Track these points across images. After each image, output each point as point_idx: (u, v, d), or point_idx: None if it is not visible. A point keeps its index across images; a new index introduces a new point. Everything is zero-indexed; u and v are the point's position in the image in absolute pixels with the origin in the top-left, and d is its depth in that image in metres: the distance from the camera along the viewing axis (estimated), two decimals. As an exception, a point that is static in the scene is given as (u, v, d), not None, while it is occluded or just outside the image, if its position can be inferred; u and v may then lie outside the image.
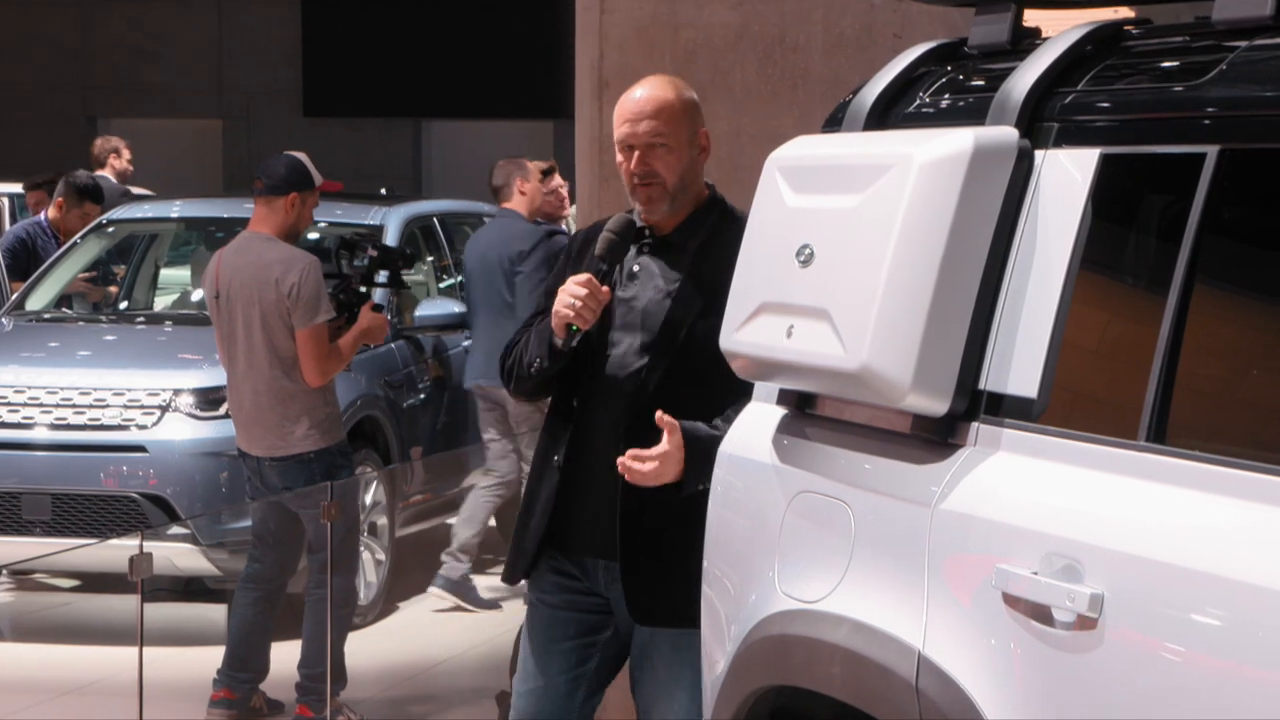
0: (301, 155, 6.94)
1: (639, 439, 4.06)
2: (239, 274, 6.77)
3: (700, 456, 3.97)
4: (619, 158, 4.19)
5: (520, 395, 4.46)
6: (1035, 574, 2.97)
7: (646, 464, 3.99)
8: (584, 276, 4.13)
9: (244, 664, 6.93)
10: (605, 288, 4.15)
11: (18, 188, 13.39)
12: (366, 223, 9.50)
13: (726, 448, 3.90)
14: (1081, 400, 3.18)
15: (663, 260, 4.24)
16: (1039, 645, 2.98)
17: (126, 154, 12.63)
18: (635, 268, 4.25)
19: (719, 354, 3.68)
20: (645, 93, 4.20)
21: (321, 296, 6.73)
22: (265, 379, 6.73)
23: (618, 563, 4.20)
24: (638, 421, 4.11)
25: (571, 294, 4.11)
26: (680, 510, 4.06)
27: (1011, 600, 3.02)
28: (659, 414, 3.98)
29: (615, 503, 4.16)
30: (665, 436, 3.99)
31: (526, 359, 4.24)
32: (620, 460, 4.00)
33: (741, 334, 3.63)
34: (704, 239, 4.22)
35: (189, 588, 8.59)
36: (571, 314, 4.10)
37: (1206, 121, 2.96)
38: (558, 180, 9.58)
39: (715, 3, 5.50)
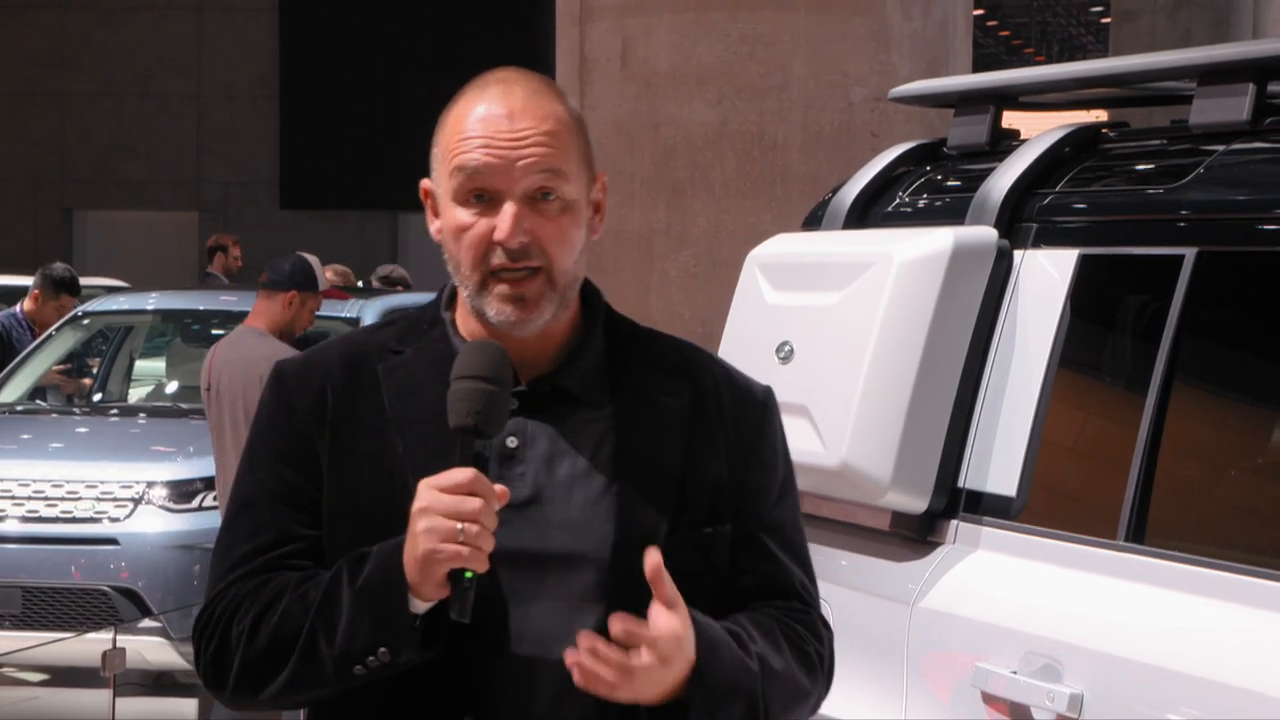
0: (312, 258, 6.94)
1: None
2: (228, 367, 6.78)
3: (719, 684, 2.11)
4: (456, 215, 2.17)
5: (269, 703, 2.20)
6: (1014, 673, 2.96)
7: (622, 665, 2.05)
8: (468, 473, 2.04)
9: None
10: (502, 488, 2.07)
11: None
12: (344, 316, 9.50)
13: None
14: (1060, 499, 3.19)
15: (559, 426, 2.20)
16: (1019, 745, 2.97)
17: (235, 251, 12.83)
18: (512, 442, 2.18)
19: (715, 584, 2.21)
20: (519, 96, 2.18)
21: None
22: (248, 472, 6.72)
23: None
24: None
25: (454, 510, 2.03)
26: None
27: (990, 699, 3.01)
28: (649, 559, 2.06)
29: None
30: (658, 616, 2.07)
31: (338, 647, 2.10)
32: (574, 657, 2.05)
33: (721, 430, 3.63)
34: (617, 382, 2.23)
35: (159, 682, 8.51)
36: (465, 551, 2.02)
37: (1184, 224, 2.98)
38: None
39: (695, 100, 5.54)
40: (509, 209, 2.14)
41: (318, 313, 9.40)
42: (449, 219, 2.18)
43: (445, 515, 2.03)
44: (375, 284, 12.30)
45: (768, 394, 2.34)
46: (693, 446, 2.21)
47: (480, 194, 2.15)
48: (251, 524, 2.22)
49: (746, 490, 2.24)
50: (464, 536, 2.02)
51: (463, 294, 2.21)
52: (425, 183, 2.25)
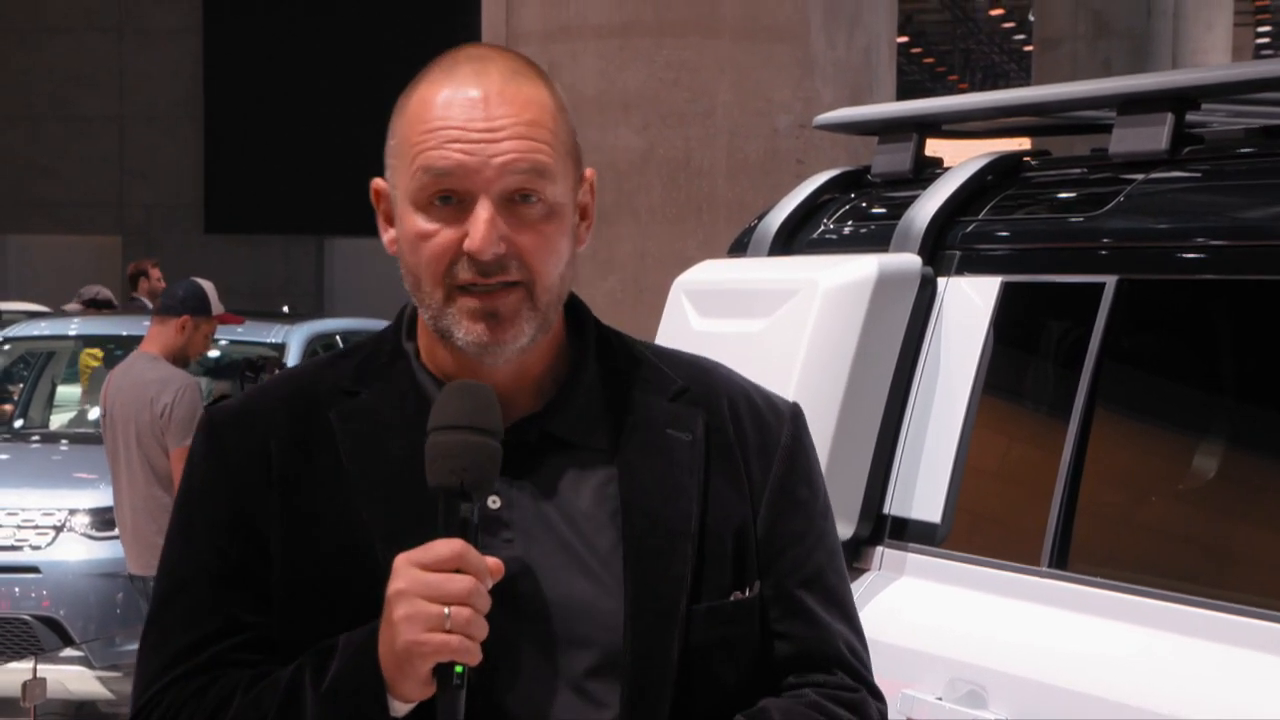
0: (206, 283, 6.97)
1: None
2: (122, 393, 6.78)
3: None
4: (416, 221, 1.78)
5: None
6: (940, 699, 2.97)
7: None
8: (453, 545, 1.67)
9: None
10: (495, 561, 1.70)
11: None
12: (269, 341, 9.45)
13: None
14: (985, 525, 3.21)
15: (550, 480, 1.83)
16: (944, 771, 2.98)
17: (155, 274, 12.75)
18: (494, 504, 1.79)
19: (747, 656, 1.83)
20: (495, 78, 1.81)
21: (195, 419, 6.71)
22: (143, 497, 6.72)
23: None
24: None
25: (438, 592, 1.66)
26: None
27: (916, 726, 3.02)
28: None
29: None
30: None
31: None
32: None
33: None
34: (617, 418, 1.85)
35: (80, 712, 8.42)
36: (454, 641, 1.65)
37: (1105, 252, 3.01)
38: None
39: (620, 126, 5.55)
40: (482, 212, 1.74)
41: (242, 338, 9.38)
42: (407, 225, 1.78)
43: (428, 599, 1.64)
44: (78, 306, 12.03)
45: (796, 413, 1.93)
46: (711, 491, 1.82)
47: (447, 196, 1.76)
48: (188, 610, 1.82)
49: (777, 537, 1.86)
50: (451, 624, 1.64)
51: (424, 316, 1.81)
52: (377, 182, 1.86)
